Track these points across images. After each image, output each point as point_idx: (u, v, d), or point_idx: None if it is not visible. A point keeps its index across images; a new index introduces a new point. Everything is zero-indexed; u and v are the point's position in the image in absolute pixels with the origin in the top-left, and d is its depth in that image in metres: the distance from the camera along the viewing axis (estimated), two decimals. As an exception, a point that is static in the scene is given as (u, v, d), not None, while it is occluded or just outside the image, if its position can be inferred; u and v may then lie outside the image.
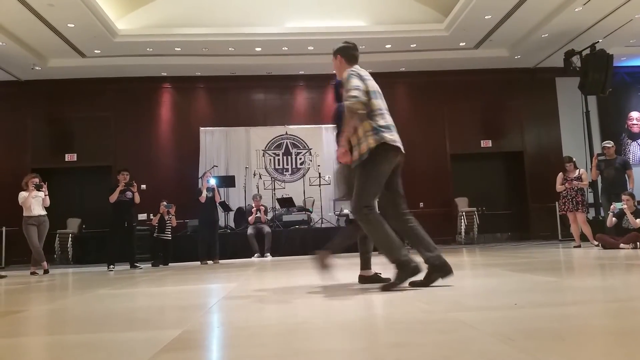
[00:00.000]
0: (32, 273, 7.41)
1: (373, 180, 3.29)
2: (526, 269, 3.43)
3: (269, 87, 12.37)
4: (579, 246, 7.96)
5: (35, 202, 7.60)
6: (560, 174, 8.34)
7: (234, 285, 4.26)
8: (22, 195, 7.58)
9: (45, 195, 7.73)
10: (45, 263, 7.62)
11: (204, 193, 8.82)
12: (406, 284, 3.22)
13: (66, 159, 12.07)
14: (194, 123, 12.32)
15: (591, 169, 8.70)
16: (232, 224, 11.02)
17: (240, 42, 10.86)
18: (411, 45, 11.38)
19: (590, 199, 10.16)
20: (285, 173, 12.13)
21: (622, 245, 6.97)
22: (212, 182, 9.15)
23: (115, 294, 4.16)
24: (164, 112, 12.53)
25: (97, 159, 12.08)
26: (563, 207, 8.24)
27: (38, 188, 7.64)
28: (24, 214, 7.56)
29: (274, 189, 11.01)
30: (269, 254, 9.42)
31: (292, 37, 10.49)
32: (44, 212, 7.71)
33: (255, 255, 9.41)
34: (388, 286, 3.23)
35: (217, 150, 12.14)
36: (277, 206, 10.76)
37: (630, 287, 3.17)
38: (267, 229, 9.69)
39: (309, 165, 12.02)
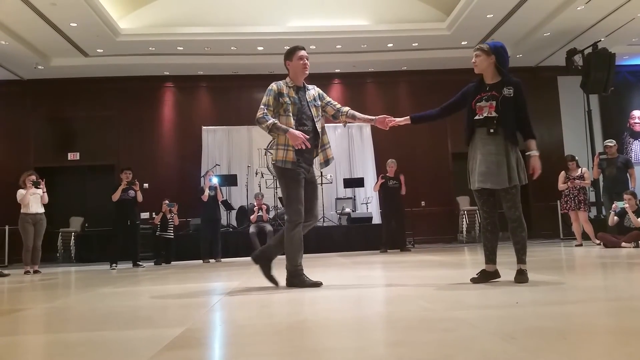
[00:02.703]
0: (26, 272, 7.40)
1: None
2: (528, 267, 3.43)
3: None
4: (581, 245, 7.95)
5: (33, 199, 7.61)
6: (563, 172, 8.33)
7: (235, 283, 4.27)
8: (20, 192, 7.59)
9: (43, 193, 7.74)
10: (31, 267, 7.51)
11: (206, 192, 8.83)
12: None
13: (69, 158, 12.09)
14: (196, 122, 12.33)
15: (593, 168, 8.68)
16: (234, 222, 11.03)
17: (242, 42, 10.87)
18: (413, 44, 11.38)
19: (592, 198, 10.14)
20: (287, 172, 12.11)
21: (623, 244, 6.97)
22: (215, 180, 9.16)
23: (117, 292, 4.17)
24: (166, 111, 12.54)
25: (100, 158, 12.10)
26: (565, 205, 8.23)
27: (36, 185, 7.65)
28: (22, 211, 7.57)
29: (276, 187, 10.98)
30: (270, 252, 9.42)
31: (294, 36, 10.47)
32: (41, 210, 7.72)
33: (257, 253, 9.40)
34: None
35: (220, 149, 12.14)
36: (279, 205, 10.76)
37: (632, 285, 3.17)
38: (269, 227, 9.69)
39: (310, 164, 12.01)
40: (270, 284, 3.69)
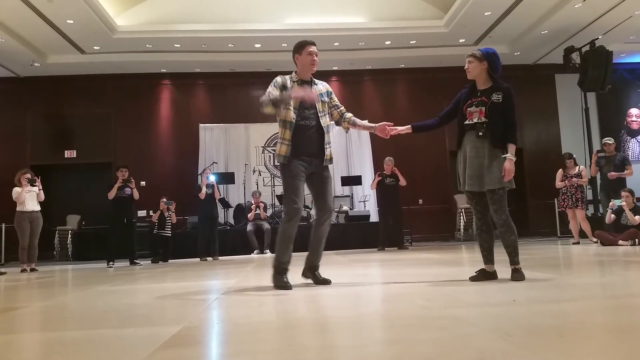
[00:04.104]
0: (23, 270, 7.39)
1: None
2: (525, 265, 3.44)
3: (269, 84, 12.25)
4: (578, 243, 7.96)
5: (29, 197, 7.58)
6: (560, 170, 8.33)
7: (233, 281, 4.27)
8: (16, 190, 7.57)
9: (39, 190, 7.72)
10: (28, 265, 7.50)
11: (204, 190, 8.81)
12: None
13: (66, 156, 12.06)
14: (193, 119, 12.31)
15: (590, 166, 8.70)
16: (231, 220, 11.03)
17: (239, 39, 10.85)
18: (411, 42, 11.37)
19: (590, 196, 10.16)
20: (284, 170, 12.11)
21: (620, 242, 6.98)
22: (212, 178, 9.15)
23: (115, 290, 4.17)
24: (163, 109, 12.52)
25: (97, 155, 12.07)
26: (562, 203, 8.24)
27: (32, 183, 7.63)
28: (17, 209, 7.55)
29: (274, 185, 11.01)
30: (268, 250, 9.42)
31: (291, 33, 10.43)
32: (37, 208, 7.69)
33: (255, 251, 9.42)
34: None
35: (217, 147, 12.13)
36: (277, 203, 10.77)
37: (629, 283, 3.18)
38: (266, 225, 9.70)
39: (308, 162, 12.00)
40: (267, 283, 3.68)
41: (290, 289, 3.40)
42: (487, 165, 3.33)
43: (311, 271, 3.75)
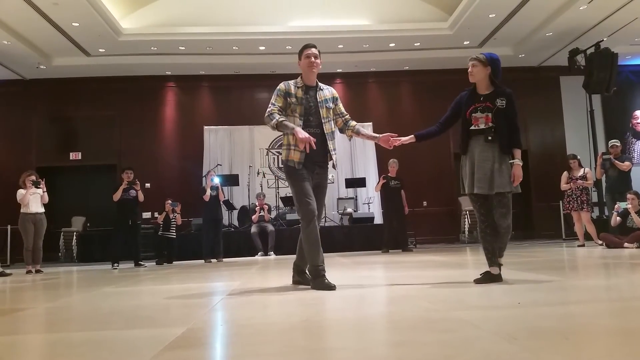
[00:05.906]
0: (28, 272, 7.41)
1: None
2: (530, 268, 3.43)
3: (273, 86, 12.11)
4: (583, 245, 7.93)
5: (33, 199, 7.61)
6: (565, 172, 8.31)
7: (237, 283, 4.27)
8: (20, 192, 7.60)
9: (43, 192, 7.75)
10: (33, 266, 7.53)
11: (208, 192, 8.83)
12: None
13: (71, 158, 12.12)
14: (198, 122, 12.34)
15: (596, 168, 8.67)
16: (235, 222, 11.04)
17: (244, 41, 10.87)
18: (415, 44, 11.37)
19: (595, 198, 10.12)
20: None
21: (626, 244, 6.95)
22: (216, 180, 9.16)
23: (119, 291, 4.18)
24: (168, 111, 12.56)
25: (102, 157, 12.12)
26: (567, 206, 8.21)
27: (36, 185, 7.66)
28: (22, 211, 7.58)
29: (278, 187, 11.02)
30: (272, 252, 9.44)
31: (296, 36, 10.47)
32: (42, 210, 7.72)
33: (259, 253, 9.42)
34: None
35: (221, 149, 12.15)
36: (281, 205, 10.77)
37: (634, 286, 3.16)
38: (270, 227, 9.70)
39: (312, 164, 11.99)
40: (271, 285, 3.68)
41: (335, 288, 3.35)
42: (497, 169, 3.35)
43: (301, 275, 3.78)
